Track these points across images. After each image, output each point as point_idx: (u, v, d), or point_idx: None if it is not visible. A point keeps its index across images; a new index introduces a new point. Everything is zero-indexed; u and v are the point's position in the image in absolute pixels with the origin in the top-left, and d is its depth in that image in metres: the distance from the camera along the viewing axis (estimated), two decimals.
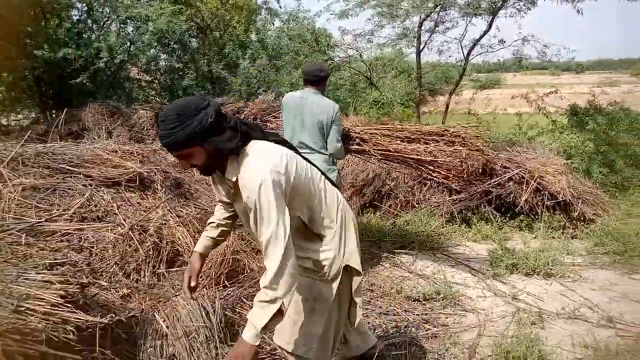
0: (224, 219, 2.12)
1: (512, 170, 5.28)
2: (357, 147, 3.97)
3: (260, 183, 1.67)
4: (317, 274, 1.98)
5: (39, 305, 2.04)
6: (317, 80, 3.70)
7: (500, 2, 8.39)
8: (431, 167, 3.93)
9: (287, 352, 2.01)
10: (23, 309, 1.98)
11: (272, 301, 1.65)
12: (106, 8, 9.90)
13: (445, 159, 3.87)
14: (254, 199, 1.68)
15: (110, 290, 2.94)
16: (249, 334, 1.65)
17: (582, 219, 5.01)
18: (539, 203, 5.12)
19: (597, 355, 2.81)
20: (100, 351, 2.16)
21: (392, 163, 4.31)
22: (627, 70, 55.07)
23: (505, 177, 5.25)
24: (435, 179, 4.24)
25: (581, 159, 6.54)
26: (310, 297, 1.99)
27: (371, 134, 3.97)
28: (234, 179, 1.78)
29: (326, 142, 3.63)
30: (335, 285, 1.98)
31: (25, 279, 2.22)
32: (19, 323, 1.91)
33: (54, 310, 2.04)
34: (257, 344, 1.66)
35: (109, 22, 10.12)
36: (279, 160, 1.75)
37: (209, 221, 2.16)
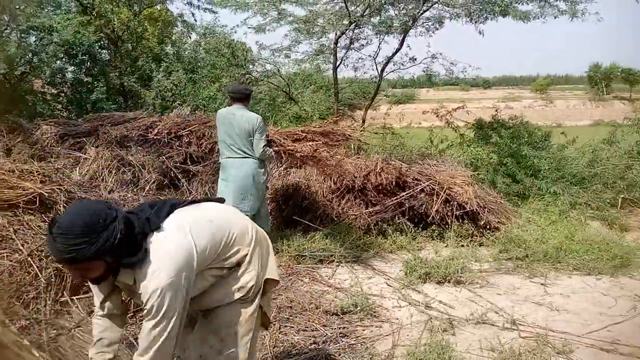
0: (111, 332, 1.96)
1: (424, 183, 5.53)
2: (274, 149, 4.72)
3: (155, 290, 1.63)
4: (242, 297, 1.95)
5: None
6: (243, 98, 4.45)
7: (411, 22, 8.79)
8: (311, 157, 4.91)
9: None
10: None
11: None
12: (4, 16, 9.23)
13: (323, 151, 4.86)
14: (150, 304, 1.64)
15: (6, 325, 2.70)
16: None
17: (488, 227, 5.33)
18: (449, 213, 5.39)
19: (502, 358, 2.99)
20: None
21: (294, 159, 5.15)
22: (528, 86, 59.96)
23: (417, 189, 5.48)
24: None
25: (487, 170, 6.99)
26: (234, 322, 1.95)
27: (276, 137, 4.91)
28: (130, 283, 1.71)
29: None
30: (257, 301, 1.97)
31: None
32: None
33: None
34: None
35: (8, 31, 9.43)
36: (179, 260, 1.69)
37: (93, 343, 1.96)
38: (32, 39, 9.31)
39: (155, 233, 1.73)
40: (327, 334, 3.29)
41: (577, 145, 8.23)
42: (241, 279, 1.95)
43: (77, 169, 5.04)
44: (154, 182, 6.19)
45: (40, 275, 3.15)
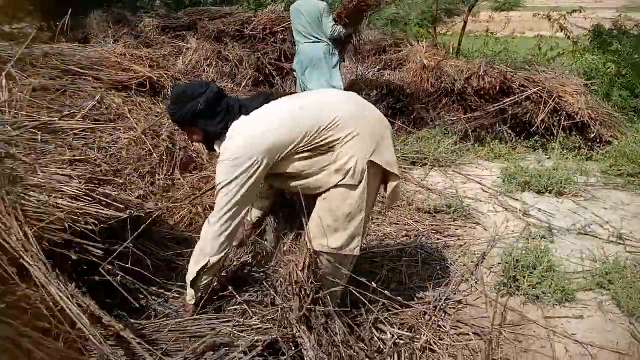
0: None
1: (530, 89, 5.14)
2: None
3: (222, 162, 1.91)
4: (343, 180, 1.98)
5: (61, 198, 2.05)
6: None
7: None
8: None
9: (330, 251, 2.03)
10: (46, 200, 1.99)
11: (201, 258, 1.95)
12: None
13: None
14: (218, 172, 1.92)
15: (126, 191, 2.96)
16: (186, 295, 2.05)
17: (598, 140, 4.94)
18: (555, 124, 5.03)
19: (605, 269, 2.86)
20: (119, 243, 2.20)
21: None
22: None
23: (522, 96, 5.12)
24: None
25: (601, 81, 6.34)
26: (345, 203, 2.00)
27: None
28: (218, 153, 2.01)
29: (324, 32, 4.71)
30: (363, 184, 1.99)
31: (45, 173, 2.22)
32: (46, 213, 1.93)
33: (74, 203, 2.06)
34: (191, 303, 2.03)
35: None
36: (256, 139, 1.91)
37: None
38: None
39: (243, 116, 1.99)
40: (419, 229, 3.32)
41: None
42: (337, 162, 1.97)
43: (181, 58, 5.19)
44: (250, 78, 6.29)
45: (153, 152, 3.38)
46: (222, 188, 1.90)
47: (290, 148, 1.94)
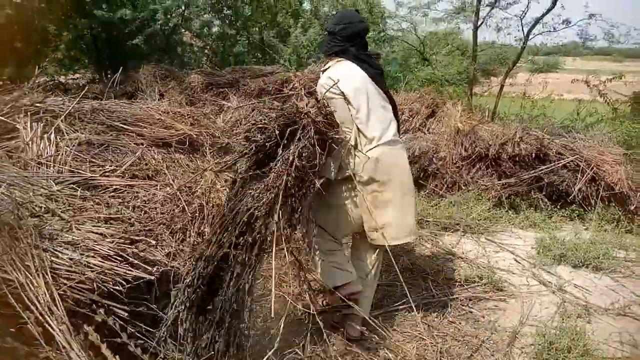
0: None
1: (567, 157, 5.06)
2: None
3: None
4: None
5: (92, 257, 2.11)
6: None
7: None
8: None
9: None
10: (78, 259, 2.06)
11: None
12: None
13: None
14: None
15: (157, 248, 3.02)
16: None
17: (638, 213, 4.76)
18: (593, 193, 4.90)
19: None
20: (145, 305, 2.23)
21: None
22: None
23: (559, 164, 5.04)
24: None
25: None
26: None
27: None
28: None
29: None
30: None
31: (80, 230, 2.30)
32: (76, 272, 1.99)
33: (105, 262, 2.11)
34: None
35: None
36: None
37: None
38: None
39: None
40: (448, 300, 3.23)
41: None
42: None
43: (221, 115, 5.39)
44: None
45: (186, 209, 3.46)
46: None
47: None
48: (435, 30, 10.78)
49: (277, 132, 2.21)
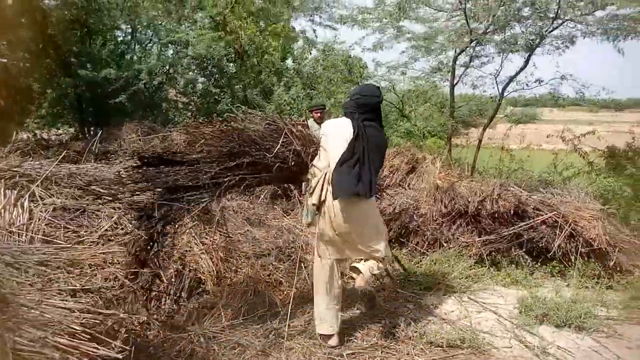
0: None
1: (546, 214, 5.12)
2: None
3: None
4: None
5: (59, 335, 2.04)
6: None
7: (538, 40, 8.28)
8: None
9: None
10: (43, 337, 1.98)
11: None
12: (149, 31, 10.25)
13: None
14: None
15: (130, 317, 2.94)
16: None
17: (618, 269, 4.79)
18: (573, 249, 4.93)
19: None
20: None
21: None
22: None
23: (537, 220, 5.09)
24: None
25: (619, 205, 6.29)
26: None
27: None
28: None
29: None
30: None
31: (47, 305, 2.23)
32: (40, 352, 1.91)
33: (72, 341, 2.04)
34: None
35: (150, 45, 10.45)
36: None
37: None
38: (170, 52, 10.23)
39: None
40: None
41: None
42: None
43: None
44: (267, 192, 6.46)
45: (162, 275, 3.40)
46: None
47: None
48: (413, 88, 11.08)
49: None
